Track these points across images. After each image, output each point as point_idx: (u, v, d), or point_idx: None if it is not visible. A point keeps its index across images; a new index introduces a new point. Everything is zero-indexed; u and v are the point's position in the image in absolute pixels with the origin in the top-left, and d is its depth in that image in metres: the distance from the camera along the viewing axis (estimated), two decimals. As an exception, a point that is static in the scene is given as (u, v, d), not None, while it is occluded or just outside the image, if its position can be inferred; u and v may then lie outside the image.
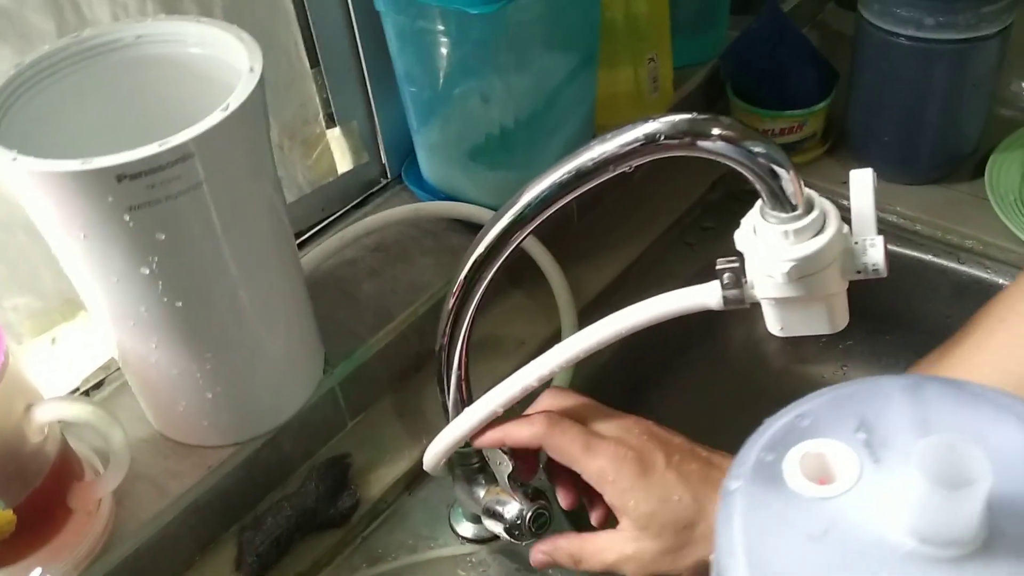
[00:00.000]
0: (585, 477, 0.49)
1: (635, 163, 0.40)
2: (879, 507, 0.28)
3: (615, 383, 0.77)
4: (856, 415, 0.31)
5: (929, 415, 0.30)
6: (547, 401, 0.54)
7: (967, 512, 0.26)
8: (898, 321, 0.83)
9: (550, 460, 0.52)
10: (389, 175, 0.81)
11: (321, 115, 0.75)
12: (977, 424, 0.29)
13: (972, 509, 0.26)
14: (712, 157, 0.39)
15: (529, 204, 0.45)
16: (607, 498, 0.49)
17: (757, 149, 0.38)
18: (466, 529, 0.63)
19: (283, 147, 0.73)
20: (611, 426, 0.51)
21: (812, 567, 0.28)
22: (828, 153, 0.88)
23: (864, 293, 0.44)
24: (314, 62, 0.72)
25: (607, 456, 0.48)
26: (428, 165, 0.76)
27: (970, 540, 0.27)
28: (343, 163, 0.78)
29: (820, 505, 0.29)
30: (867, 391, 0.31)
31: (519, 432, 0.51)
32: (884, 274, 0.41)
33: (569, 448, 0.49)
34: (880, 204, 0.42)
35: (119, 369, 0.65)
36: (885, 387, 0.31)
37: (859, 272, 0.42)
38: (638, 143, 0.39)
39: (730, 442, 0.86)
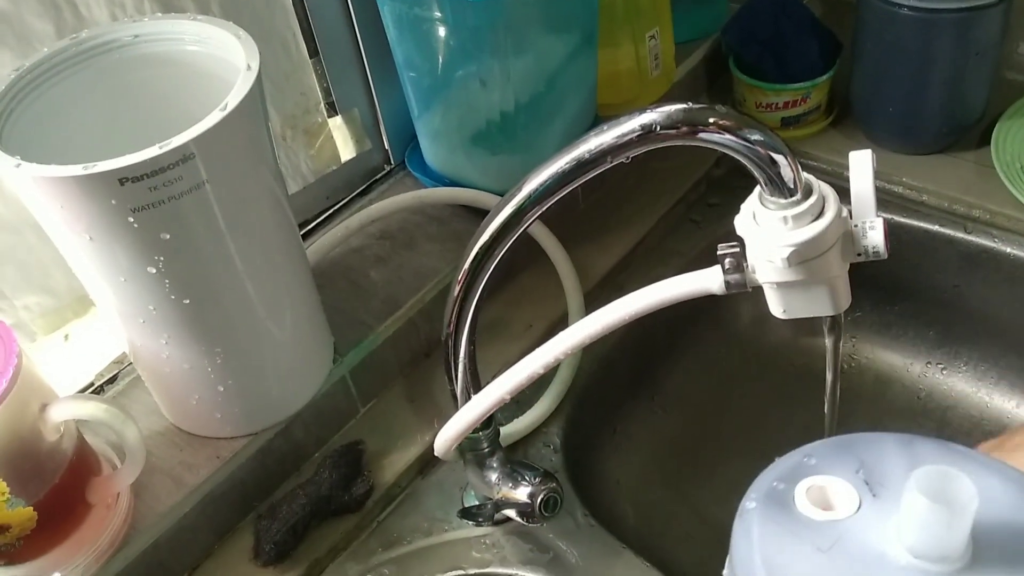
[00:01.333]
0: None
1: (632, 154, 0.40)
2: (879, 530, 0.32)
3: (623, 362, 0.77)
4: (856, 459, 0.35)
5: (920, 463, 0.34)
6: None
7: (956, 530, 0.30)
8: (906, 292, 0.83)
9: None
10: (392, 162, 0.81)
11: (322, 104, 0.75)
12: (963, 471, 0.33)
13: (961, 527, 0.30)
14: (709, 146, 0.39)
15: (531, 194, 0.45)
16: None
17: (754, 137, 0.38)
18: (479, 512, 0.64)
19: (286, 137, 0.74)
20: None
21: (821, 573, 0.32)
22: (832, 125, 0.88)
23: (872, 265, 0.44)
24: (313, 52, 0.72)
25: None
26: (431, 151, 0.76)
27: (958, 557, 0.31)
28: (346, 151, 0.78)
29: (826, 526, 0.33)
30: (866, 441, 0.37)
31: None
32: (884, 256, 0.41)
33: None
34: (886, 175, 0.42)
35: (132, 363, 0.66)
36: (882, 439, 0.36)
37: (860, 255, 0.42)
38: (634, 134, 0.39)
39: (737, 416, 0.87)
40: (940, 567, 0.31)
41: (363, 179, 0.80)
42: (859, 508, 0.34)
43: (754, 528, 0.34)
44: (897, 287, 0.83)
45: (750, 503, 0.35)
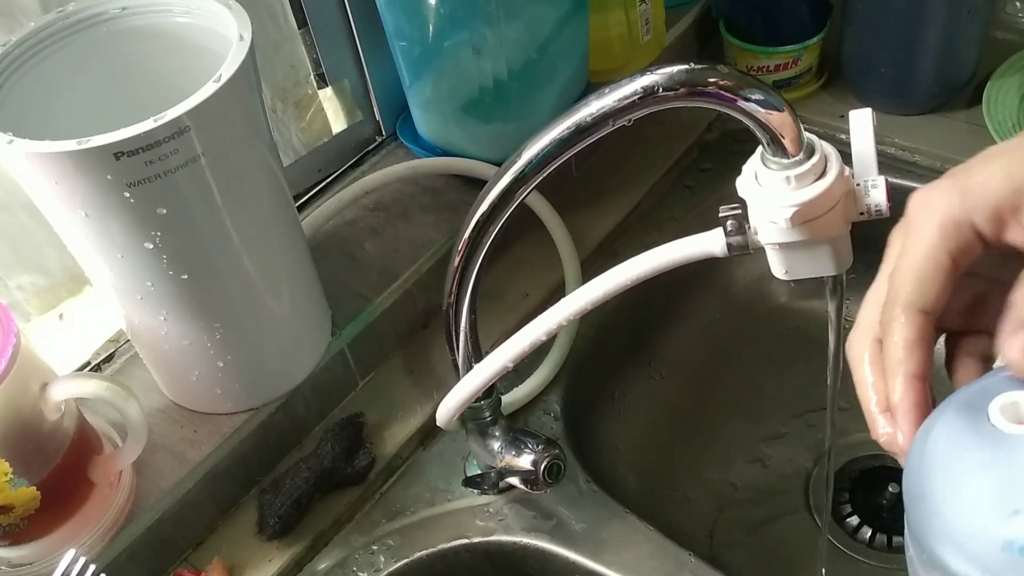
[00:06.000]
0: None
1: (634, 116, 0.40)
2: None
3: (620, 328, 0.77)
4: None
5: None
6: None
7: None
8: (899, 253, 0.83)
9: None
10: (384, 133, 0.81)
11: (312, 76, 0.75)
12: None
13: None
14: (711, 107, 0.39)
15: (530, 161, 0.45)
16: None
17: (756, 96, 0.38)
18: (482, 480, 0.64)
19: (276, 110, 0.73)
20: None
21: (988, 478, 0.32)
22: (823, 87, 0.87)
23: (864, 226, 0.44)
24: (301, 22, 0.71)
25: None
26: (423, 121, 0.76)
27: None
28: (337, 123, 0.77)
29: (1012, 438, 0.33)
30: None
31: None
32: (887, 214, 0.41)
33: None
34: (878, 136, 0.42)
35: (128, 341, 0.65)
36: None
37: (862, 214, 0.42)
38: (636, 96, 0.39)
39: (733, 380, 0.87)
40: None
41: (355, 151, 0.79)
42: None
43: (938, 424, 0.34)
44: (890, 248, 0.83)
45: (944, 402, 0.36)
